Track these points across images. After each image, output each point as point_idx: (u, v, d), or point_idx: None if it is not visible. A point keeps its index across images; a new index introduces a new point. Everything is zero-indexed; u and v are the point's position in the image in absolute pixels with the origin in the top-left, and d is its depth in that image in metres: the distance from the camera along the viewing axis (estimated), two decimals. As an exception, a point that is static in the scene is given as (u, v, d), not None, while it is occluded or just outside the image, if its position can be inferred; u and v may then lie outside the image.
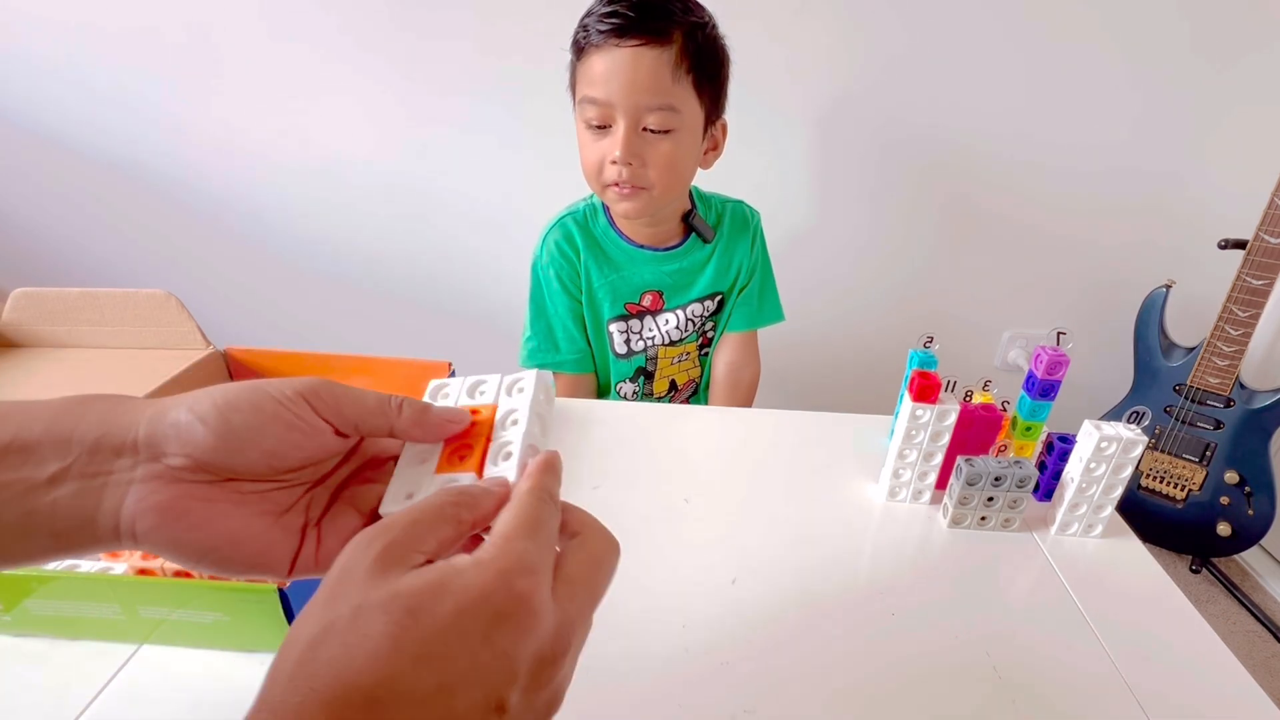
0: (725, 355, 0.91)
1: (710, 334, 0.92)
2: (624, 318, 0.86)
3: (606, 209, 0.84)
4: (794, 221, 1.25)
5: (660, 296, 0.86)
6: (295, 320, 1.39)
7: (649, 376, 0.91)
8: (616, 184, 0.73)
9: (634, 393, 0.92)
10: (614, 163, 0.71)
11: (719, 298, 0.88)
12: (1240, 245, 1.10)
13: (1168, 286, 1.22)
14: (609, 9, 0.66)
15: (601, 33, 0.66)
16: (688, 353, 0.92)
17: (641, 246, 0.84)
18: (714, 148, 0.80)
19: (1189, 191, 1.22)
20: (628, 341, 0.88)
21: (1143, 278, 1.25)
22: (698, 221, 0.83)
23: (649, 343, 0.88)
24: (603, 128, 0.71)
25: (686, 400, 0.97)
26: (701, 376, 0.94)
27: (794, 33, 1.08)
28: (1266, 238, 1.06)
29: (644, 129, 0.70)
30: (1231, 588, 1.31)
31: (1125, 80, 1.12)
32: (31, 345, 0.73)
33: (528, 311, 0.89)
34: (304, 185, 1.22)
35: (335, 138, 1.18)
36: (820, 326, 1.38)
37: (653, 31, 0.66)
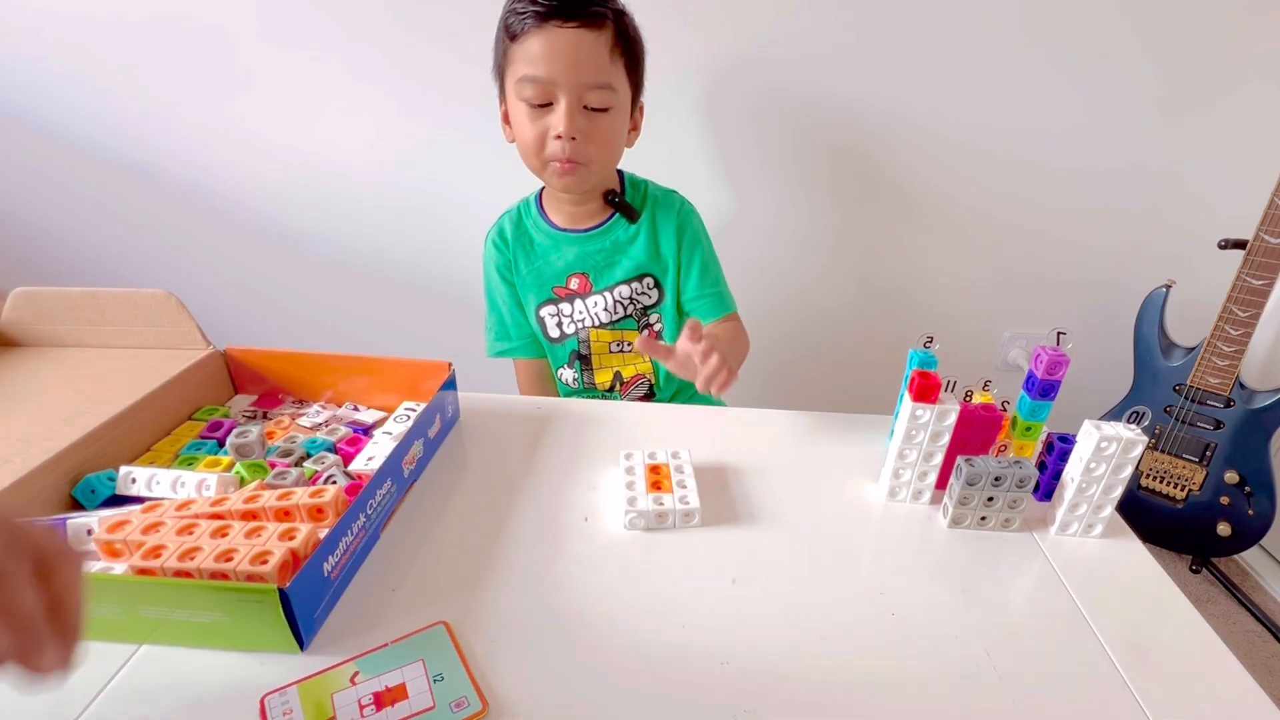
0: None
1: (657, 326, 0.91)
2: (553, 301, 0.89)
3: (539, 200, 0.89)
4: (794, 222, 1.25)
5: (587, 279, 0.88)
6: (295, 320, 1.39)
7: (585, 362, 0.92)
8: (558, 160, 0.76)
9: (574, 379, 0.94)
10: (557, 138, 0.74)
11: (649, 279, 0.88)
12: (1240, 245, 1.10)
13: (1168, 286, 1.22)
14: None
15: (540, 15, 0.70)
16: (628, 342, 0.91)
17: (564, 230, 0.87)
18: (634, 128, 0.84)
19: (1189, 191, 1.21)
20: (559, 325, 0.91)
21: (1143, 278, 1.25)
22: (620, 200, 0.86)
23: (579, 325, 0.90)
24: (543, 105, 0.74)
25: (644, 399, 0.95)
26: (655, 375, 0.94)
27: (790, 29, 1.08)
28: (1266, 238, 1.06)
29: (585, 106, 0.74)
30: (1231, 588, 1.31)
31: (1126, 79, 1.12)
32: (31, 345, 0.73)
33: (485, 303, 0.96)
34: (305, 185, 1.22)
35: (337, 138, 1.18)
36: (821, 326, 1.38)
37: (591, 16, 0.71)
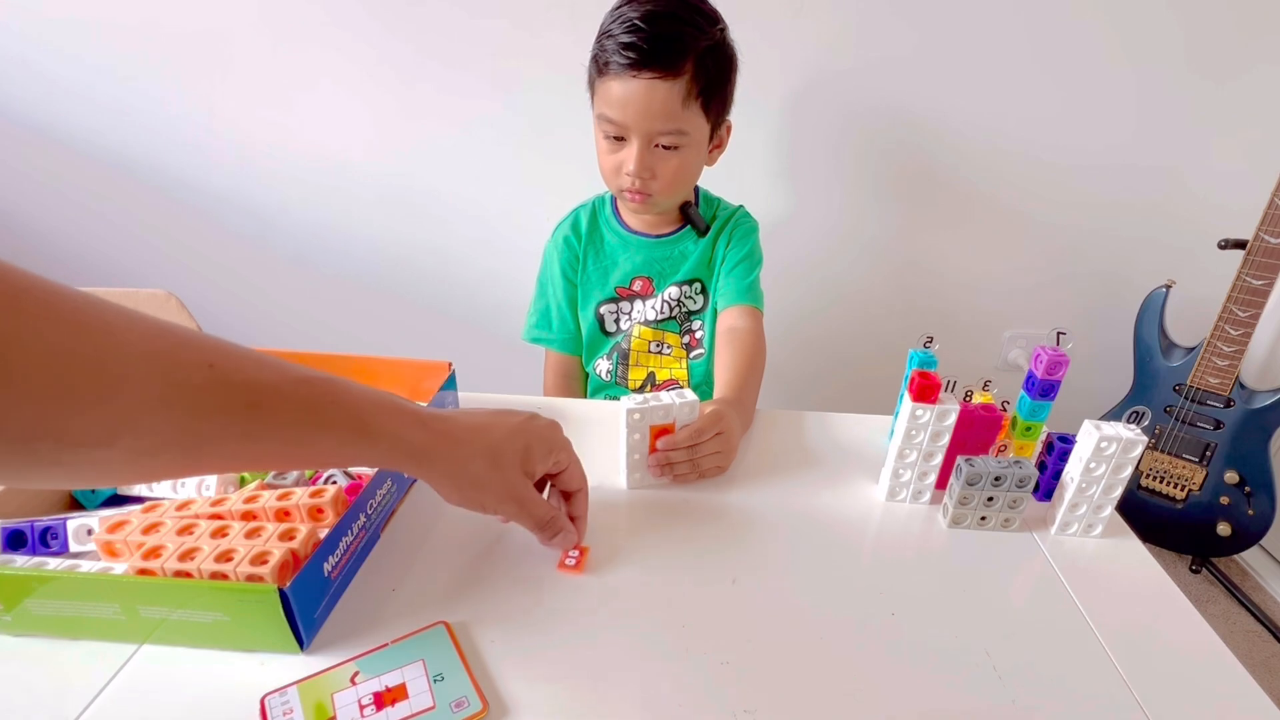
0: (725, 322, 0.88)
1: (698, 333, 0.92)
2: (614, 300, 0.92)
3: (614, 199, 0.92)
4: (794, 220, 1.25)
5: (650, 283, 0.91)
6: (296, 320, 1.39)
7: (624, 357, 0.94)
8: (628, 190, 0.80)
9: (609, 372, 0.96)
10: (628, 174, 0.78)
11: (698, 284, 0.91)
12: (1240, 245, 1.10)
13: (1168, 286, 1.22)
14: (627, 39, 0.71)
15: (619, 64, 0.72)
16: (669, 344, 0.93)
17: (637, 233, 0.90)
18: (719, 146, 0.85)
19: (1189, 191, 1.21)
20: (617, 321, 0.94)
21: (1143, 278, 1.25)
22: (694, 213, 0.88)
23: (632, 321, 0.93)
24: (619, 139, 0.78)
25: None
26: (689, 381, 0.95)
27: (788, 26, 1.08)
28: (1266, 238, 1.06)
29: (655, 145, 0.77)
30: (1231, 588, 1.32)
31: (1126, 80, 1.12)
32: (31, 345, 0.73)
33: (535, 286, 0.97)
34: (305, 184, 1.22)
35: (337, 137, 1.18)
36: (820, 326, 1.38)
37: (666, 66, 0.72)
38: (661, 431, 0.59)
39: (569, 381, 0.99)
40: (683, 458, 0.59)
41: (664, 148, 0.77)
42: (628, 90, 0.73)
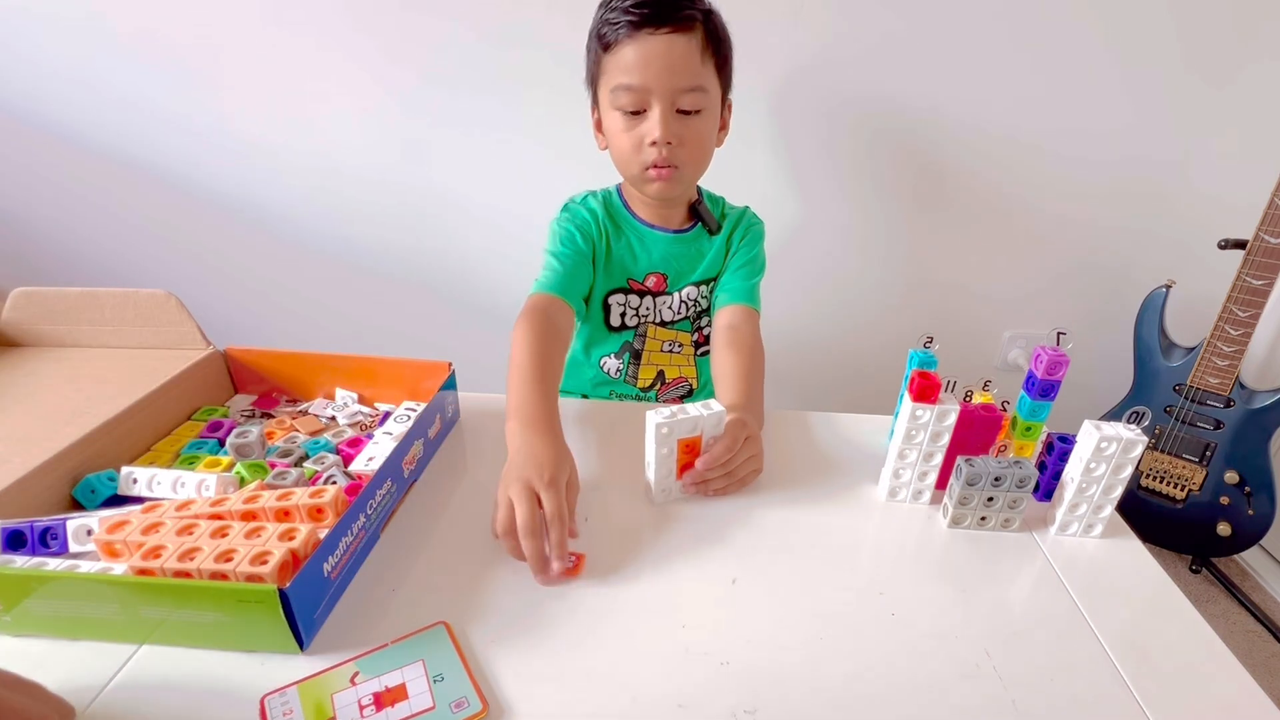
0: (724, 319, 0.86)
1: (706, 330, 0.92)
2: (624, 291, 0.90)
3: (620, 195, 0.89)
4: (794, 220, 1.25)
5: (664, 280, 0.89)
6: (295, 320, 1.39)
7: (635, 356, 0.93)
8: (654, 166, 0.77)
9: (618, 370, 0.94)
10: (653, 144, 0.75)
11: (712, 284, 0.90)
12: (1240, 245, 1.10)
13: (1168, 286, 1.22)
14: (634, 2, 0.71)
15: (632, 24, 0.71)
16: (680, 343, 0.92)
17: (652, 227, 0.88)
18: (723, 126, 0.84)
19: (1189, 191, 1.21)
20: (623, 315, 0.91)
21: (1143, 277, 1.25)
22: (704, 209, 0.87)
23: (642, 320, 0.91)
24: (637, 113, 0.75)
25: (679, 401, 0.96)
26: (697, 379, 0.94)
27: (787, 26, 1.08)
28: (1266, 238, 1.06)
29: (678, 110, 0.75)
30: (1231, 588, 1.31)
31: (1127, 80, 1.12)
32: (32, 345, 0.73)
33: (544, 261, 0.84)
34: (306, 184, 1.22)
35: (338, 137, 1.18)
36: (821, 327, 1.38)
37: (681, 20, 0.71)
38: (689, 444, 0.58)
39: (550, 309, 0.76)
40: (720, 474, 0.59)
41: (684, 112, 0.75)
42: (647, 50, 0.71)
